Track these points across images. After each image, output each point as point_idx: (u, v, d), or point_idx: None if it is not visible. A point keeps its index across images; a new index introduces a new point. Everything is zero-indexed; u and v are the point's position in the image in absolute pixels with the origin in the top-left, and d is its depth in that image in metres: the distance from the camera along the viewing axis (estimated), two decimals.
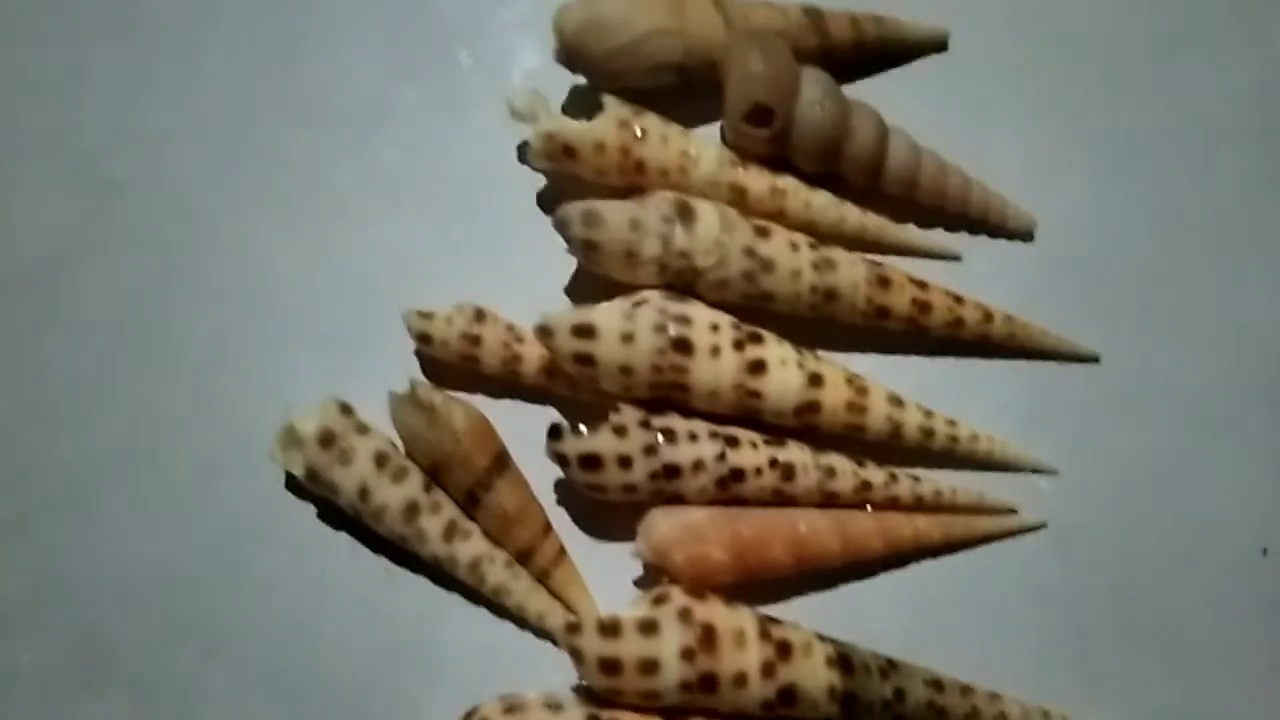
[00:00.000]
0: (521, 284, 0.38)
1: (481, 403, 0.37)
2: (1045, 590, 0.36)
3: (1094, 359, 0.37)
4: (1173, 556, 0.36)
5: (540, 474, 0.36)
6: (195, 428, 0.38)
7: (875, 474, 0.36)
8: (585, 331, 0.34)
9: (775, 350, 0.35)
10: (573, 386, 0.36)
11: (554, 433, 0.34)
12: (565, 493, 0.37)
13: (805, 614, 0.35)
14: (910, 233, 0.38)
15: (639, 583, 0.36)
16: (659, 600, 0.33)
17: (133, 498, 0.37)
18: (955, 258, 0.38)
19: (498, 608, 0.36)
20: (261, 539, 0.37)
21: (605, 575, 0.36)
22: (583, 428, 0.34)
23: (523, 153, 0.38)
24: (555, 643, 0.35)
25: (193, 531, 0.37)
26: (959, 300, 0.36)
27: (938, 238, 0.38)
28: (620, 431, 0.34)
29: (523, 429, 0.37)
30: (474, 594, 0.36)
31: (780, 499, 0.35)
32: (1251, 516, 0.36)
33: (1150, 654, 0.35)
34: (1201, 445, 0.37)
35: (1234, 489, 0.37)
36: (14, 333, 0.39)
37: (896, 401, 0.36)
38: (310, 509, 0.37)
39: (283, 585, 0.37)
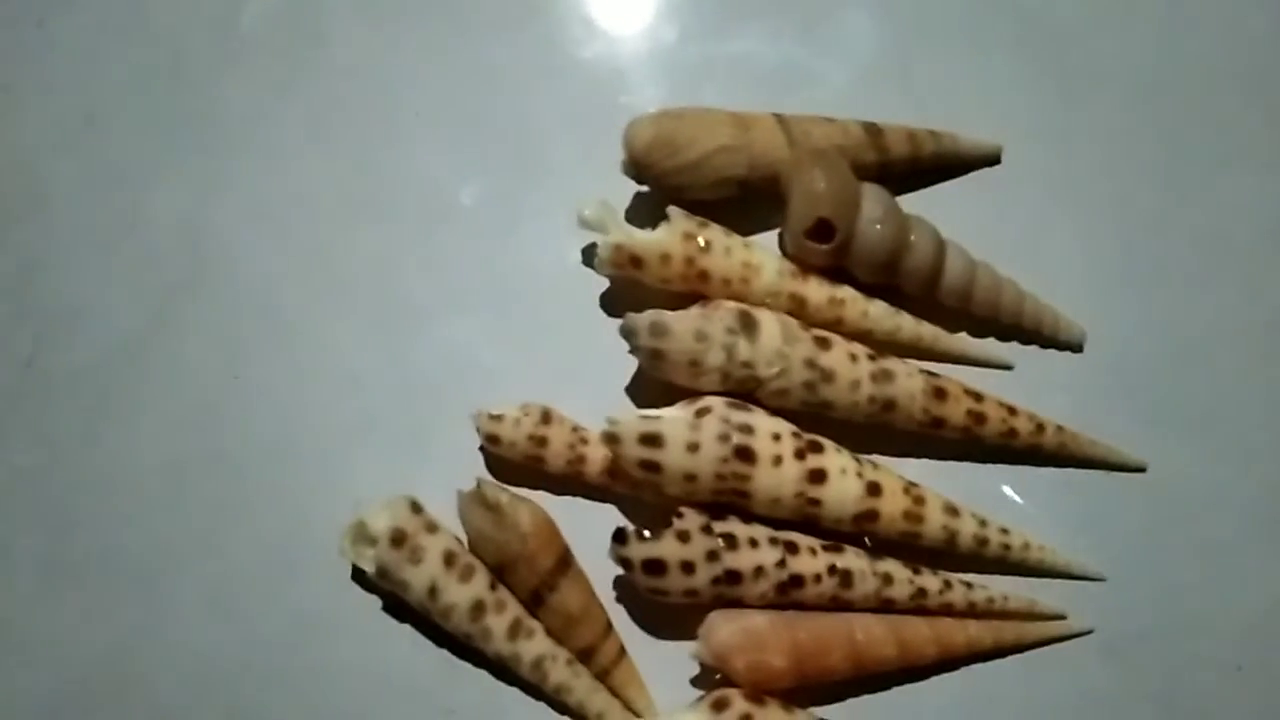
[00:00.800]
0: (585, 384, 0.39)
1: (544, 499, 0.38)
2: (1092, 696, 0.37)
3: (1141, 469, 0.38)
4: (1218, 665, 0.37)
5: (600, 570, 0.37)
6: (263, 520, 0.39)
7: (930, 581, 0.36)
8: (652, 440, 0.35)
9: (835, 460, 0.36)
10: (635, 488, 0.37)
11: (619, 537, 0.35)
12: (624, 589, 0.38)
13: (858, 715, 0.36)
14: (964, 342, 0.39)
15: (695, 681, 0.37)
16: (719, 705, 0.34)
17: (201, 586, 0.38)
18: (1008, 367, 0.39)
19: (559, 706, 0.36)
20: (326, 630, 0.38)
21: (662, 673, 0.37)
22: (647, 533, 0.35)
23: (588, 256, 0.39)
24: None
25: (259, 620, 0.38)
26: (1012, 411, 0.37)
27: (990, 347, 0.39)
28: (683, 537, 0.35)
29: (585, 526, 0.37)
30: (534, 690, 0.37)
31: (838, 604, 0.36)
32: None
33: None
34: (1245, 554, 0.38)
35: (1277, 597, 0.37)
36: (88, 421, 0.40)
37: (952, 510, 0.37)
38: (375, 601, 0.38)
39: (345, 676, 0.37)
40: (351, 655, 0.38)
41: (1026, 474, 0.38)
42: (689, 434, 0.35)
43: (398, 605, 0.37)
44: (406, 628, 0.38)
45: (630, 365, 0.39)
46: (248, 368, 0.40)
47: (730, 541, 0.35)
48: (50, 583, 0.38)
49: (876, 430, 0.37)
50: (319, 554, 0.38)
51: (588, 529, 0.37)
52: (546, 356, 0.40)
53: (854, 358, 0.37)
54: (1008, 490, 0.38)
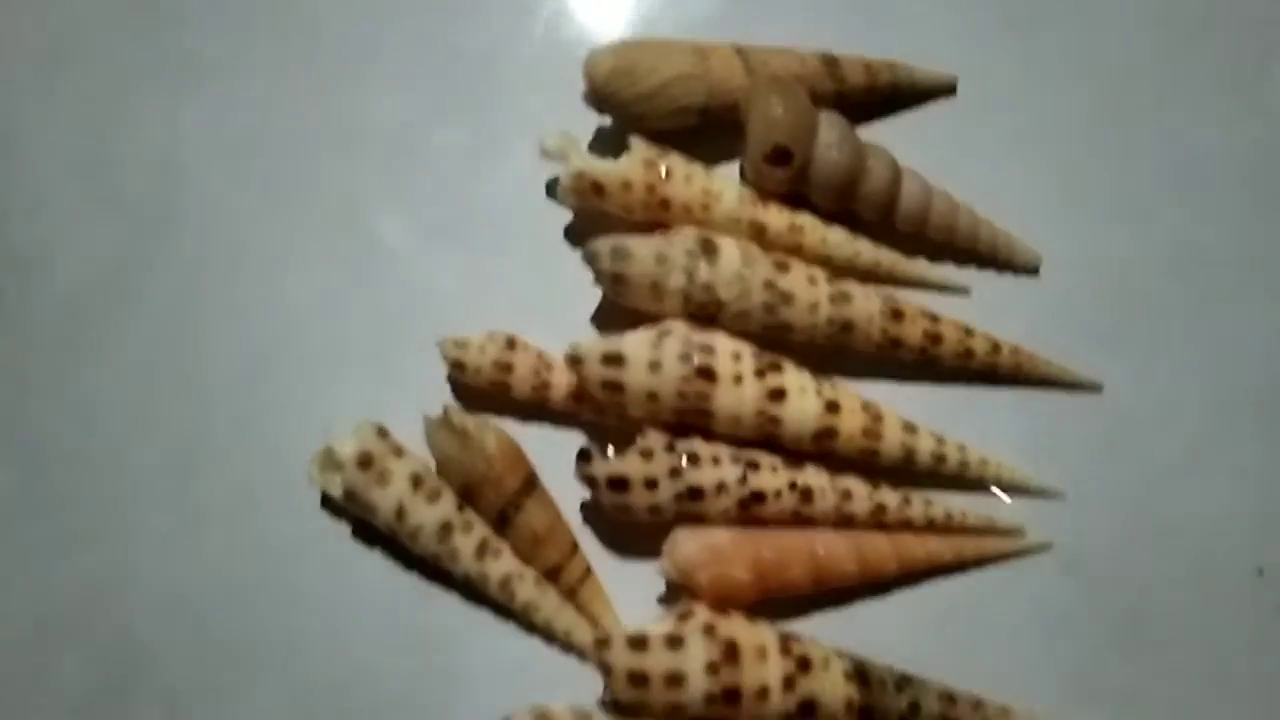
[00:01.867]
0: (550, 315, 0.39)
1: (511, 427, 0.38)
2: (1050, 609, 0.37)
3: (1096, 388, 0.39)
4: (1172, 576, 0.38)
5: (567, 496, 0.38)
6: (233, 450, 0.39)
7: (890, 497, 0.37)
8: (614, 360, 0.35)
9: (794, 378, 0.37)
10: (600, 412, 0.38)
11: (583, 456, 0.36)
12: (591, 513, 0.38)
13: (821, 630, 0.36)
14: (921, 267, 0.40)
15: (662, 600, 0.38)
16: (684, 617, 0.35)
17: (171, 516, 0.39)
18: (964, 291, 0.40)
19: (526, 624, 0.37)
20: (296, 557, 0.38)
21: (629, 593, 0.38)
22: (611, 451, 0.36)
23: (552, 189, 0.40)
24: (582, 658, 0.37)
25: (230, 549, 0.38)
26: (969, 332, 0.38)
27: (947, 272, 0.40)
28: (647, 455, 0.36)
29: (551, 453, 0.38)
30: (503, 611, 0.37)
31: (799, 520, 0.37)
32: (1248, 538, 0.38)
33: (1151, 670, 0.37)
34: (1199, 470, 0.38)
35: (1231, 512, 0.38)
36: (56, 357, 0.40)
37: (910, 428, 0.37)
38: (344, 528, 0.38)
39: (316, 602, 0.38)
40: (322, 582, 0.38)
41: (984, 395, 0.39)
42: (650, 353, 0.35)
43: (367, 532, 0.38)
44: (376, 554, 0.38)
45: (594, 297, 0.40)
46: (215, 303, 0.41)
47: (693, 458, 0.36)
48: (20, 516, 0.39)
49: (836, 353, 0.38)
50: (289, 484, 0.38)
51: (554, 456, 0.38)
52: (512, 289, 0.40)
53: (812, 280, 0.37)
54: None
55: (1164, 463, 0.39)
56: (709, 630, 0.34)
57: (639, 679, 0.33)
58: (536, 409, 0.39)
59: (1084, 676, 0.37)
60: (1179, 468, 0.39)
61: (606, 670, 0.34)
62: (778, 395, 0.36)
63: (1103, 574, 0.38)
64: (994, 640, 0.37)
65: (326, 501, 0.38)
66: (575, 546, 0.37)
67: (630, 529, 0.37)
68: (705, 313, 0.37)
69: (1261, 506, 0.38)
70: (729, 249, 0.37)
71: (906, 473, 0.38)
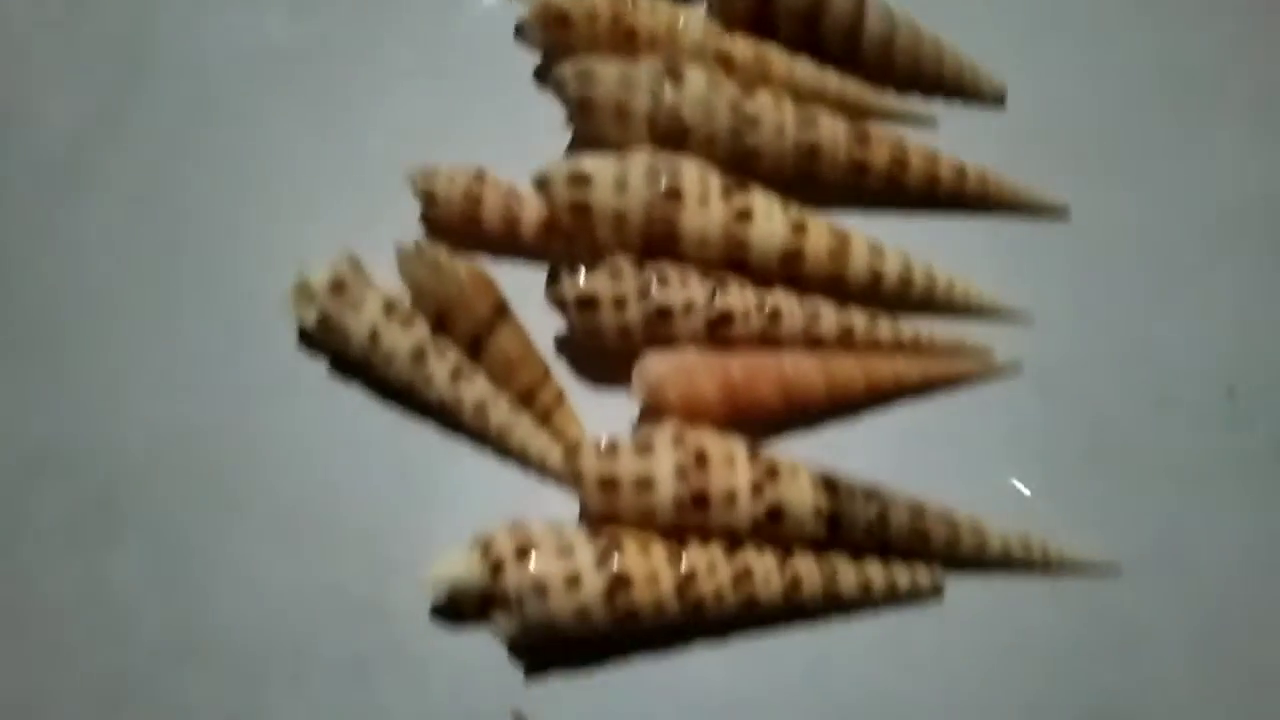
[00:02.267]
0: (520, 155, 0.39)
1: (483, 265, 0.39)
2: (1020, 428, 0.38)
3: (1064, 212, 0.39)
4: (1142, 396, 0.38)
5: (539, 332, 0.39)
6: (211, 293, 0.40)
7: (857, 318, 0.38)
8: (581, 180, 0.36)
9: (761, 200, 0.37)
10: (570, 242, 0.38)
11: (552, 278, 0.36)
12: (564, 345, 0.39)
13: (791, 453, 0.37)
14: (888, 98, 0.40)
15: (635, 427, 0.38)
16: (654, 428, 0.35)
17: (153, 356, 0.40)
18: (931, 122, 0.40)
19: (502, 449, 0.38)
20: (276, 394, 0.39)
21: (602, 424, 0.38)
22: (580, 271, 0.36)
23: (521, 31, 0.41)
24: (557, 482, 0.37)
25: (211, 387, 0.39)
26: (935, 156, 0.39)
27: (914, 103, 0.40)
28: (615, 275, 0.36)
29: (522, 288, 0.39)
30: (479, 438, 0.38)
31: (767, 342, 0.37)
32: (1217, 359, 0.38)
33: (1119, 485, 0.37)
34: (1168, 292, 0.39)
35: (1200, 333, 0.38)
36: (37, 207, 0.41)
37: (877, 250, 0.38)
38: (322, 366, 0.39)
39: (297, 437, 0.39)
40: (301, 418, 0.39)
41: (951, 224, 0.40)
42: (617, 173, 0.36)
43: (345, 367, 0.39)
44: (354, 389, 0.39)
45: (563, 136, 0.40)
46: (190, 148, 0.41)
47: (661, 279, 0.36)
48: (3, 356, 0.40)
49: (803, 181, 0.39)
50: (266, 322, 0.39)
51: (527, 292, 0.38)
52: (482, 131, 0.41)
53: (779, 105, 0.38)
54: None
55: (1133, 286, 0.39)
56: (678, 439, 0.35)
57: (609, 484, 0.34)
58: (508, 244, 0.39)
59: (1055, 494, 0.37)
60: (1148, 291, 0.39)
61: (578, 477, 0.34)
62: (744, 216, 0.36)
63: (1073, 394, 0.38)
64: (964, 461, 0.38)
65: (305, 340, 0.39)
66: (548, 372, 0.38)
67: (602, 361, 0.38)
68: (671, 139, 0.37)
69: (1231, 328, 0.39)
70: (695, 74, 0.37)
71: (875, 298, 0.38)
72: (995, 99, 0.40)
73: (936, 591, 0.36)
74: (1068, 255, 0.39)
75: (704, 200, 0.36)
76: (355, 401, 0.39)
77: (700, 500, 0.34)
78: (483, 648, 0.36)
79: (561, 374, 0.39)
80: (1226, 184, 0.40)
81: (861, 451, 0.38)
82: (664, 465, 0.34)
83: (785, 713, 0.36)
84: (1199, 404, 0.38)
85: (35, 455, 0.39)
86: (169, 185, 0.41)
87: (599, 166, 0.36)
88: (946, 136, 0.40)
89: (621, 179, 0.36)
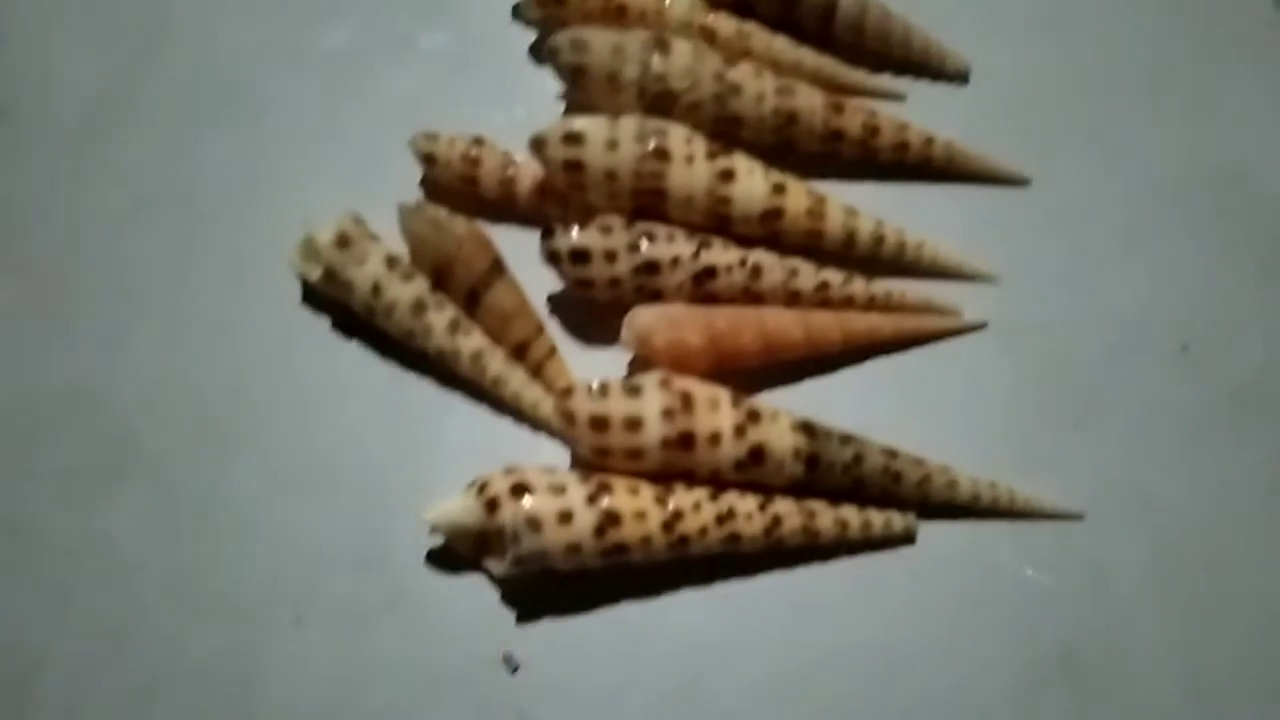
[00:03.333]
0: (517, 128, 0.41)
1: (481, 227, 0.41)
2: (987, 382, 0.40)
3: (1025, 181, 0.42)
4: (1101, 352, 0.40)
5: (534, 291, 0.40)
6: (220, 249, 0.42)
7: (834, 275, 0.40)
8: (574, 139, 0.38)
9: (743, 161, 0.39)
10: (564, 206, 0.40)
11: (547, 232, 0.38)
12: (557, 306, 0.41)
13: (772, 404, 0.39)
14: (860, 75, 0.43)
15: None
16: (641, 375, 0.37)
17: (161, 311, 0.41)
18: (900, 98, 0.43)
19: (497, 401, 0.39)
20: (280, 348, 0.41)
21: (593, 377, 0.40)
22: (574, 227, 0.38)
23: (517, 10, 0.43)
24: (549, 433, 0.39)
25: (217, 341, 0.41)
26: (904, 126, 0.41)
27: (884, 80, 0.43)
28: (606, 230, 0.38)
29: (517, 251, 0.40)
30: (475, 392, 0.40)
31: (749, 297, 0.39)
32: (1172, 316, 0.41)
33: (1081, 436, 0.39)
34: (1125, 254, 0.41)
35: (1155, 292, 0.41)
36: (54, 167, 0.43)
37: (851, 211, 0.40)
38: (324, 320, 0.41)
39: (300, 390, 0.40)
40: (304, 371, 0.40)
41: (921, 191, 0.42)
42: (609, 132, 0.38)
43: (347, 323, 0.40)
44: (355, 343, 0.40)
45: (556, 111, 0.42)
46: (203, 113, 0.44)
47: (649, 235, 0.38)
48: (19, 313, 0.41)
49: (782, 149, 0.41)
50: (272, 280, 0.41)
51: (522, 254, 0.40)
52: (479, 104, 0.43)
53: (759, 74, 0.40)
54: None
55: (1092, 249, 0.41)
56: (665, 382, 0.37)
57: (600, 423, 0.36)
58: (503, 208, 0.41)
59: (1021, 445, 0.39)
60: (1105, 253, 0.41)
61: (569, 418, 0.36)
62: (727, 175, 0.39)
63: (1036, 350, 0.40)
64: (935, 412, 0.40)
65: (308, 297, 0.41)
66: (541, 326, 0.40)
67: (593, 318, 0.40)
68: (659, 107, 0.40)
69: (1185, 288, 0.41)
70: (681, 45, 0.40)
71: (850, 258, 0.40)
72: (960, 76, 0.43)
73: (909, 536, 0.38)
74: (1029, 220, 0.42)
75: (690, 160, 0.38)
76: (356, 357, 0.40)
77: (686, 440, 0.36)
78: (477, 592, 0.38)
79: (555, 332, 0.41)
80: (1175, 154, 0.42)
81: (837, 402, 0.39)
82: (652, 406, 0.36)
83: (766, 654, 0.37)
84: (1155, 358, 0.40)
85: (39, 405, 0.40)
86: (180, 148, 0.43)
87: (591, 126, 0.38)
88: (914, 111, 0.42)
89: (612, 139, 0.38)
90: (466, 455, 0.39)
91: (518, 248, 0.40)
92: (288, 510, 0.39)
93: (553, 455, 0.39)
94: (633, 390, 0.36)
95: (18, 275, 0.42)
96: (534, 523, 0.35)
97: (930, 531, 0.38)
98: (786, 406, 0.39)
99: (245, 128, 0.43)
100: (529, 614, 0.37)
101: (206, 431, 0.40)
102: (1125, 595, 0.37)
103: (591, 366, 0.40)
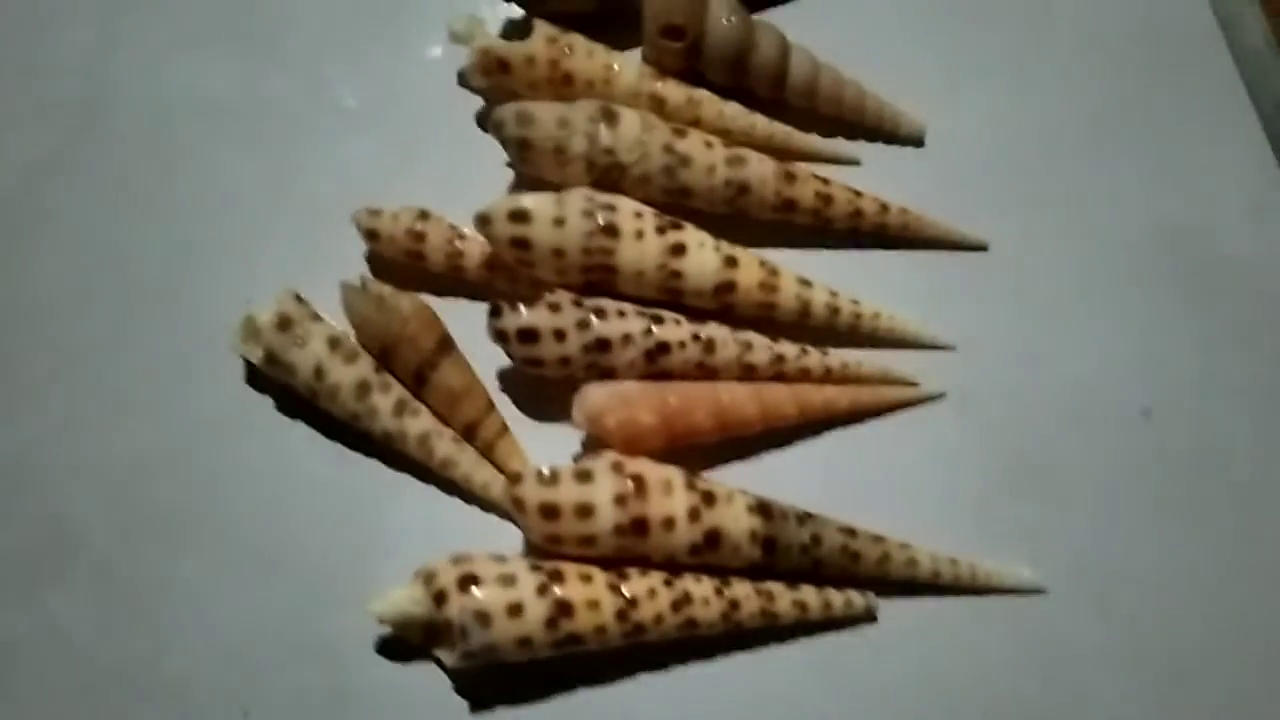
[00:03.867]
0: (465, 197, 0.40)
1: (427, 301, 0.40)
2: (946, 454, 0.39)
3: (982, 247, 0.41)
4: (1061, 419, 0.40)
5: (483, 366, 0.39)
6: (163, 330, 0.41)
7: (788, 348, 0.39)
8: (520, 216, 0.37)
9: (694, 235, 0.38)
10: (512, 279, 0.39)
11: (494, 311, 0.37)
12: (507, 382, 0.40)
13: (728, 481, 0.38)
14: (814, 140, 0.42)
15: (576, 460, 0.39)
16: (594, 457, 0.36)
17: (102, 393, 0.40)
18: (855, 162, 0.42)
19: (446, 483, 0.38)
20: (224, 431, 0.39)
21: (544, 456, 0.39)
22: (521, 305, 0.37)
23: (463, 77, 0.42)
24: (500, 515, 0.38)
25: (159, 424, 0.40)
26: (858, 194, 0.41)
27: (838, 145, 0.42)
28: (554, 308, 0.37)
29: (466, 325, 0.39)
30: (423, 472, 0.39)
31: (703, 372, 0.38)
32: (1132, 381, 0.40)
33: (1042, 506, 0.39)
34: (1082, 320, 0.41)
35: (1114, 358, 0.40)
36: None
37: (805, 282, 0.39)
38: (269, 401, 0.40)
39: (244, 473, 0.39)
40: (249, 454, 0.39)
41: (875, 259, 0.41)
42: (555, 209, 0.37)
43: (291, 405, 0.39)
44: (300, 425, 0.39)
45: (505, 179, 0.42)
46: (141, 189, 0.42)
47: (599, 312, 0.38)
48: None
49: (734, 220, 0.40)
50: (214, 360, 0.40)
51: (470, 328, 0.39)
52: (426, 174, 0.42)
53: (709, 145, 0.39)
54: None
55: (1049, 314, 0.41)
56: (617, 466, 0.36)
57: (550, 511, 0.35)
58: (451, 282, 0.40)
59: (980, 516, 0.39)
60: (1063, 318, 0.41)
61: (519, 506, 0.35)
62: (678, 250, 0.38)
63: (995, 419, 0.40)
64: (893, 486, 0.39)
65: (252, 378, 0.40)
66: (491, 405, 0.39)
67: (544, 396, 0.39)
68: (609, 179, 0.39)
69: (1145, 352, 0.41)
70: (629, 116, 0.39)
71: (804, 330, 0.40)
72: (915, 140, 0.42)
73: (870, 615, 0.37)
74: (986, 285, 0.41)
75: (639, 235, 0.38)
76: (303, 437, 0.39)
77: (640, 526, 0.35)
78: (429, 681, 0.37)
79: (505, 407, 0.40)
80: (1130, 218, 0.42)
81: (794, 478, 0.39)
82: (603, 492, 0.35)
83: None
84: (1115, 424, 0.40)
85: None
86: (120, 223, 0.42)
87: (538, 203, 0.37)
88: (869, 176, 0.42)
89: (559, 216, 0.37)
90: (416, 538, 0.38)
91: (466, 321, 0.40)
92: (234, 597, 0.38)
93: (504, 538, 0.38)
94: (583, 475, 0.35)
95: None
96: (483, 617, 0.34)
97: (889, 606, 0.37)
98: (741, 482, 0.38)
99: (184, 201, 0.42)
100: (483, 704, 0.36)
101: (149, 516, 0.39)
102: (1087, 670, 0.37)
103: (544, 443, 0.39)
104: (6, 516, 0.39)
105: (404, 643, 0.36)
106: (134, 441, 0.39)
